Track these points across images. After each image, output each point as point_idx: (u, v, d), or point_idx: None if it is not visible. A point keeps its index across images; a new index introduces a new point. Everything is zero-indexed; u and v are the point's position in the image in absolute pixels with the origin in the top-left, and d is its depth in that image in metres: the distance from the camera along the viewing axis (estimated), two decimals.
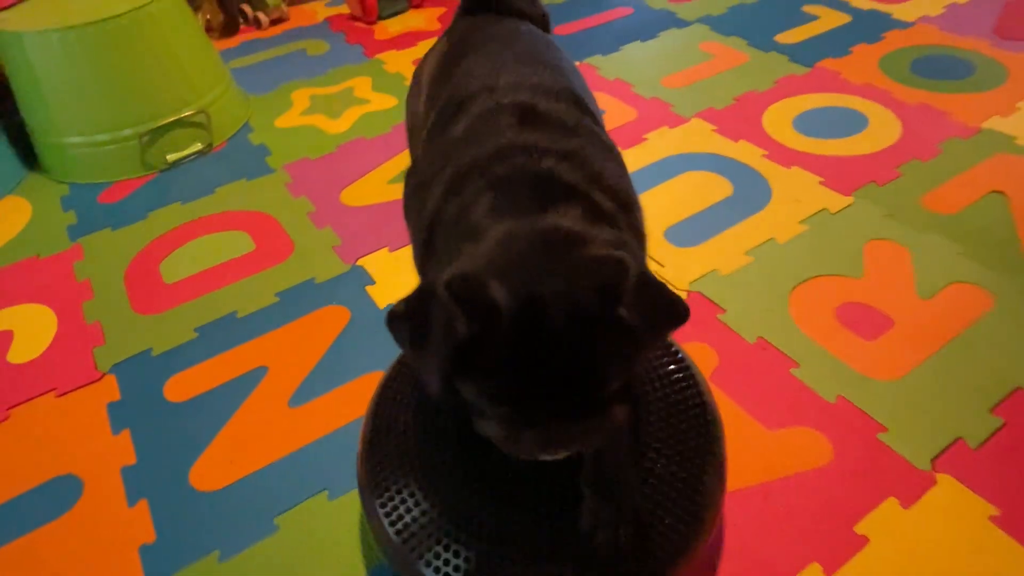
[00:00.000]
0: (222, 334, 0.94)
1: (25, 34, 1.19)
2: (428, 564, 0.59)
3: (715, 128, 1.26)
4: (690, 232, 1.03)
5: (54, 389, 0.89)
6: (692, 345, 0.84)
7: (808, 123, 1.25)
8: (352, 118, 1.41)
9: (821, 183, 1.10)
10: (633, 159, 1.20)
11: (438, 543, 0.60)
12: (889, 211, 1.03)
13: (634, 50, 1.57)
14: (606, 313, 0.44)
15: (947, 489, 0.68)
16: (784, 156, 1.17)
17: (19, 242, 1.17)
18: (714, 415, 0.67)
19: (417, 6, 1.92)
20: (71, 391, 0.89)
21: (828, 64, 1.43)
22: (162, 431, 0.82)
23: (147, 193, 1.26)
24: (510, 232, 0.48)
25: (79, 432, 0.83)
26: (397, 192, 1.18)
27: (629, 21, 1.71)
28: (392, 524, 0.61)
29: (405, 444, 0.67)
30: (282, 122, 1.43)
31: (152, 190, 1.27)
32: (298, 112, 1.46)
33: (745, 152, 1.19)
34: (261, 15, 1.86)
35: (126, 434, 0.83)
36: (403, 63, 1.61)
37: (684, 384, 0.70)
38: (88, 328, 0.98)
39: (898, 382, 0.79)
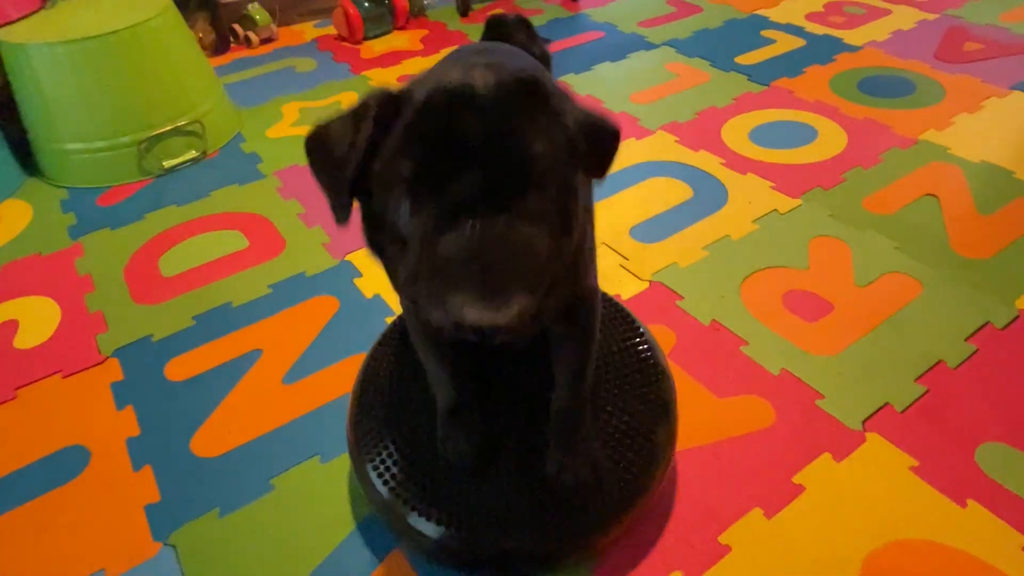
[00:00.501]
0: (219, 321, 1.01)
1: (32, 46, 1.26)
2: (414, 510, 0.66)
3: (678, 139, 1.36)
4: (654, 230, 1.12)
5: (59, 371, 0.95)
6: (654, 327, 0.93)
7: (763, 135, 1.36)
8: None
9: (772, 187, 1.20)
10: None
11: (421, 493, 0.67)
12: (833, 212, 1.13)
13: (605, 69, 1.68)
14: (536, 94, 0.44)
15: (875, 445, 0.77)
16: (740, 164, 1.27)
17: (21, 241, 1.23)
18: (668, 381, 0.76)
19: (401, 28, 2.02)
20: (76, 372, 0.95)
21: (783, 83, 1.55)
22: (164, 406, 0.89)
23: (144, 196, 1.33)
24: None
25: (84, 409, 0.89)
26: None
27: (601, 43, 1.83)
28: (383, 481, 0.68)
29: (388, 412, 0.75)
30: (273, 132, 1.51)
31: (149, 194, 1.33)
32: (288, 123, 1.54)
33: (705, 160, 1.29)
34: (251, 34, 1.95)
35: (129, 410, 0.89)
36: (388, 80, 1.71)
37: (643, 354, 0.78)
38: (90, 317, 1.04)
39: (835, 357, 0.88)
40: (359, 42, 1.94)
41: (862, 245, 1.06)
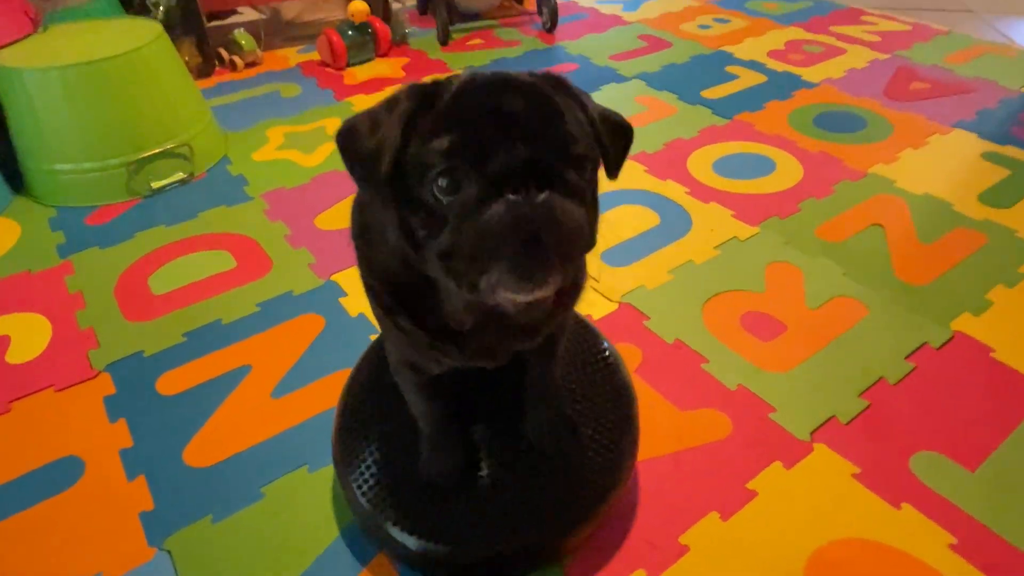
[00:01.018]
0: (208, 338, 1.05)
1: (26, 70, 1.30)
2: (390, 520, 0.71)
3: (646, 168, 1.45)
4: (623, 254, 1.20)
5: (52, 385, 0.98)
6: (621, 345, 1.00)
7: (725, 166, 1.45)
8: (325, 153, 1.56)
9: (733, 216, 1.29)
10: None
11: (398, 506, 0.72)
12: (788, 239, 1.22)
13: None
14: (564, 88, 0.47)
15: (821, 454, 0.84)
16: (704, 193, 1.36)
17: (10, 258, 1.26)
18: (631, 392, 0.82)
19: (383, 55, 2.09)
20: (69, 387, 0.98)
21: (745, 117, 1.65)
22: (156, 419, 0.92)
23: (133, 216, 1.37)
24: None
25: (78, 421, 0.93)
26: None
27: (575, 75, 1.92)
28: (362, 493, 0.74)
29: (371, 426, 0.80)
30: (259, 156, 1.57)
31: (137, 214, 1.37)
32: (274, 147, 1.60)
33: (671, 189, 1.38)
34: (237, 58, 2.00)
35: (122, 422, 0.92)
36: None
37: (609, 369, 0.85)
38: (82, 333, 1.08)
39: (787, 374, 0.95)
40: (342, 68, 2.00)
41: (814, 271, 1.14)
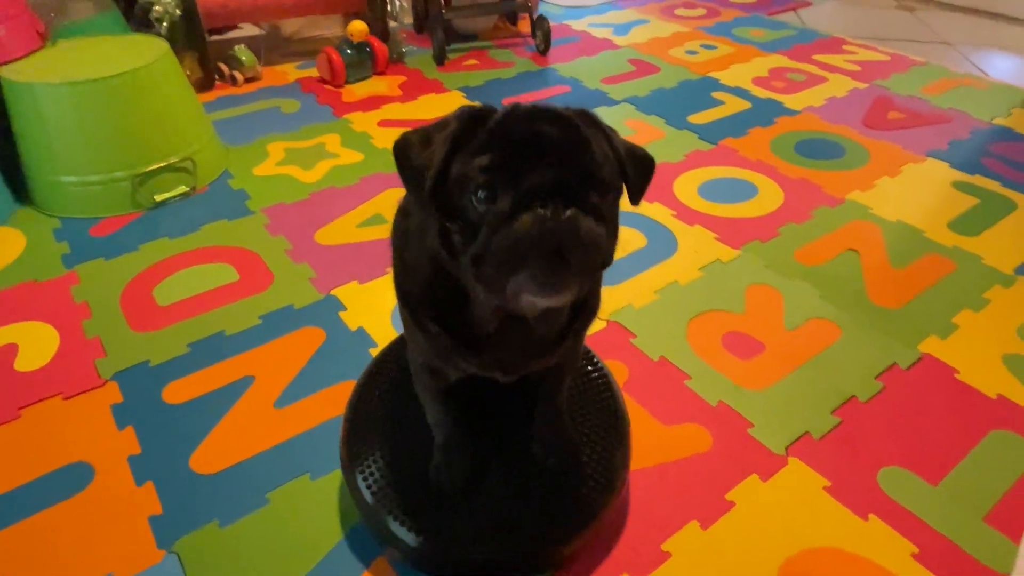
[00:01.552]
0: (212, 349, 1.09)
1: (36, 85, 1.34)
2: (395, 519, 0.76)
3: None
4: (611, 274, 1.25)
5: (60, 393, 1.02)
6: (609, 361, 1.05)
7: (710, 190, 1.52)
8: (324, 170, 1.60)
9: (716, 238, 1.35)
10: None
11: (403, 504, 0.77)
12: (768, 262, 1.28)
13: None
14: (594, 122, 0.53)
15: (795, 468, 0.90)
16: (689, 216, 1.42)
17: (16, 268, 1.29)
18: (623, 412, 0.88)
19: (380, 73, 2.15)
20: (76, 395, 1.02)
21: (729, 142, 1.72)
22: (163, 427, 0.96)
23: (136, 228, 1.40)
24: None
25: (87, 428, 0.96)
26: (366, 235, 1.37)
27: (567, 98, 1.98)
28: (370, 492, 0.78)
29: (376, 431, 0.85)
30: (259, 171, 1.61)
31: (141, 226, 1.41)
32: (274, 163, 1.64)
33: (658, 212, 1.44)
34: (237, 74, 2.04)
35: (130, 430, 0.96)
36: (369, 123, 1.82)
37: (602, 388, 0.90)
38: (89, 342, 1.11)
39: (764, 391, 1.01)
40: (340, 85, 2.05)
41: (792, 293, 1.21)
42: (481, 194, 0.49)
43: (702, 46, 2.37)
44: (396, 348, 0.96)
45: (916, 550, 0.80)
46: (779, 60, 2.25)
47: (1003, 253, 1.31)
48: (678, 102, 1.94)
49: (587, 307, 0.66)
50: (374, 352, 1.07)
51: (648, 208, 1.45)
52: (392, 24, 2.25)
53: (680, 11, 2.76)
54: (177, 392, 1.02)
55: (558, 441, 0.82)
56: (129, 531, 0.83)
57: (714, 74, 2.14)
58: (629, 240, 1.35)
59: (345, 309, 1.17)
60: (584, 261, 0.49)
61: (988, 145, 1.72)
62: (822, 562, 0.79)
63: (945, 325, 1.14)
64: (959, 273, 1.26)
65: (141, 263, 1.30)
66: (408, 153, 0.54)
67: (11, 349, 1.10)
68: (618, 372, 1.04)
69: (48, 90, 1.35)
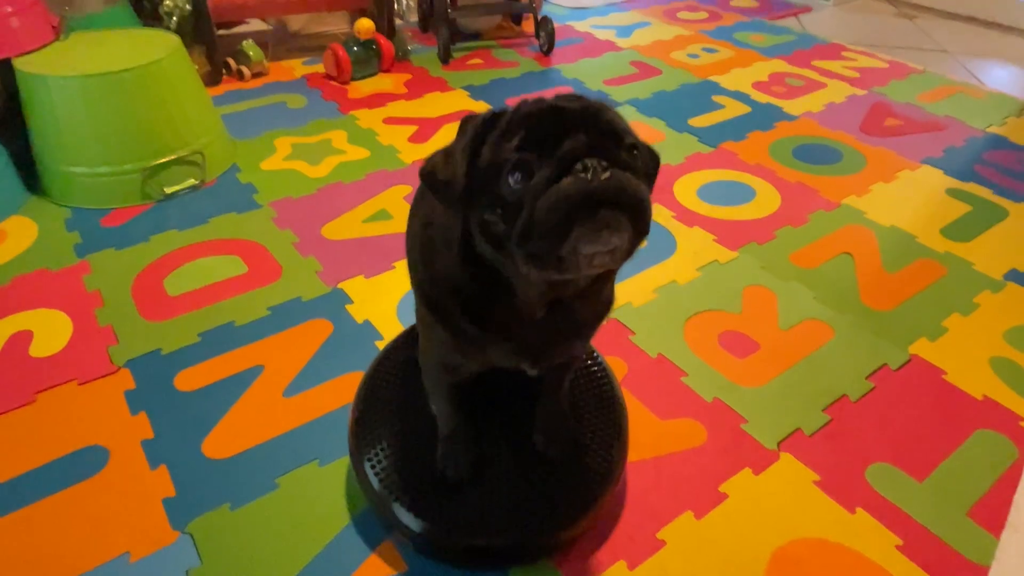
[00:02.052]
0: (222, 339, 1.12)
1: (50, 78, 1.37)
2: (402, 506, 0.79)
3: None
4: None
5: (75, 379, 1.05)
6: (609, 357, 1.08)
7: (709, 193, 1.55)
8: (331, 165, 1.63)
9: (715, 240, 1.38)
10: None
11: (409, 491, 0.80)
12: (764, 264, 1.32)
13: None
14: (608, 105, 0.53)
15: (787, 462, 0.93)
16: (688, 218, 1.45)
17: (29, 256, 1.32)
18: (622, 406, 0.91)
19: (386, 70, 2.17)
20: (91, 381, 1.04)
21: (729, 146, 1.75)
22: (175, 414, 0.99)
23: (147, 220, 1.43)
24: None
25: (101, 413, 0.99)
26: (372, 230, 1.40)
27: None
28: (378, 479, 0.81)
29: (384, 421, 0.88)
30: (267, 165, 1.64)
31: (151, 217, 1.44)
32: (281, 157, 1.67)
33: (658, 213, 1.47)
34: (244, 68, 2.07)
35: (143, 415, 0.99)
36: (374, 120, 1.85)
37: (602, 382, 0.93)
38: (101, 330, 1.14)
39: (758, 389, 1.04)
40: (346, 82, 2.08)
41: (787, 294, 1.24)
42: (517, 174, 0.50)
43: (704, 50, 2.40)
44: (403, 340, 0.99)
45: (900, 542, 0.83)
46: (779, 65, 2.28)
47: (993, 259, 1.35)
48: (679, 105, 1.97)
49: (608, 301, 0.69)
50: (380, 345, 1.10)
51: None
52: (398, 22, 2.28)
53: (682, 14, 2.79)
54: (189, 380, 1.05)
55: (559, 433, 0.85)
56: (144, 512, 0.86)
57: (715, 78, 2.17)
58: None
59: (352, 302, 1.20)
60: (633, 211, 0.49)
61: (982, 153, 1.75)
62: (810, 552, 0.82)
63: (935, 328, 1.17)
64: (950, 278, 1.30)
65: (151, 254, 1.32)
66: (435, 172, 0.56)
67: (26, 335, 1.13)
68: (617, 368, 1.07)
69: (61, 83, 1.37)
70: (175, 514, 0.85)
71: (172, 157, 1.49)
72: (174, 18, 1.90)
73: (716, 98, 2.03)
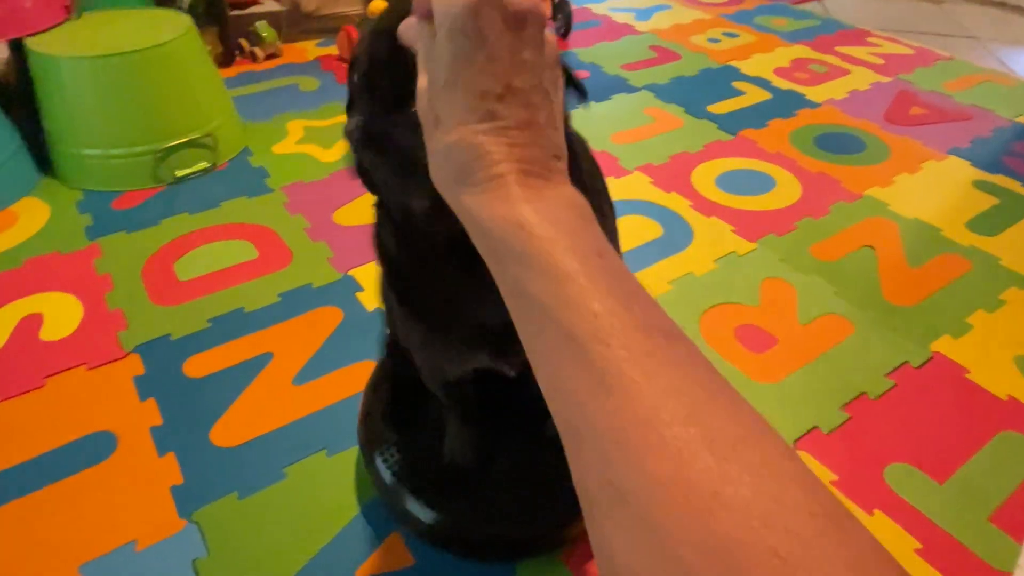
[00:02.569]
0: (232, 325, 1.11)
1: (62, 58, 1.35)
2: (413, 498, 0.78)
3: (652, 180, 1.51)
4: (627, 263, 1.26)
5: (85, 363, 1.04)
6: None
7: (728, 181, 1.51)
8: (343, 149, 1.61)
9: (733, 231, 1.35)
10: None
11: (420, 483, 0.79)
12: (783, 256, 1.29)
13: (591, 108, 1.82)
14: None
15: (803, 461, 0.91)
16: (706, 207, 1.42)
17: (40, 238, 1.31)
18: None
19: None
20: (100, 365, 1.04)
21: (748, 133, 1.71)
22: (183, 400, 0.99)
23: (158, 203, 1.42)
24: None
25: (110, 398, 0.99)
26: None
27: (586, 83, 1.96)
28: (390, 472, 0.80)
29: (396, 410, 0.87)
30: (279, 148, 1.62)
31: (162, 200, 1.43)
32: (293, 140, 1.65)
33: (675, 202, 1.44)
34: (257, 50, 2.05)
35: (152, 402, 0.98)
36: None
37: None
38: (111, 314, 1.13)
39: (776, 384, 1.02)
40: None
41: (806, 288, 1.21)
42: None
43: (724, 34, 2.35)
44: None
45: (920, 546, 0.81)
46: (802, 51, 2.23)
47: (1021, 254, 1.31)
48: (698, 91, 1.93)
49: None
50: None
51: (665, 198, 1.45)
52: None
53: None
54: (198, 366, 1.04)
55: None
56: (151, 500, 0.85)
57: (735, 63, 2.12)
58: (645, 229, 1.35)
59: (363, 290, 1.19)
60: None
61: (1011, 144, 1.70)
62: None
63: (959, 325, 1.14)
64: (975, 273, 1.26)
65: (162, 237, 1.31)
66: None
67: (36, 319, 1.12)
68: None
69: (72, 63, 1.36)
70: (182, 502, 0.85)
71: (184, 140, 1.47)
72: None
73: (736, 84, 1.98)
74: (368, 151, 0.48)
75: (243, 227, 1.35)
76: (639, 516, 0.25)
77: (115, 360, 1.05)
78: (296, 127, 1.71)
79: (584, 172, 0.55)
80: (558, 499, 0.78)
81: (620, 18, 2.49)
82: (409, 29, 0.40)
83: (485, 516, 0.77)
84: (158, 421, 0.95)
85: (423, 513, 0.77)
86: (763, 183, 1.51)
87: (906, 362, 1.07)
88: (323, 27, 2.36)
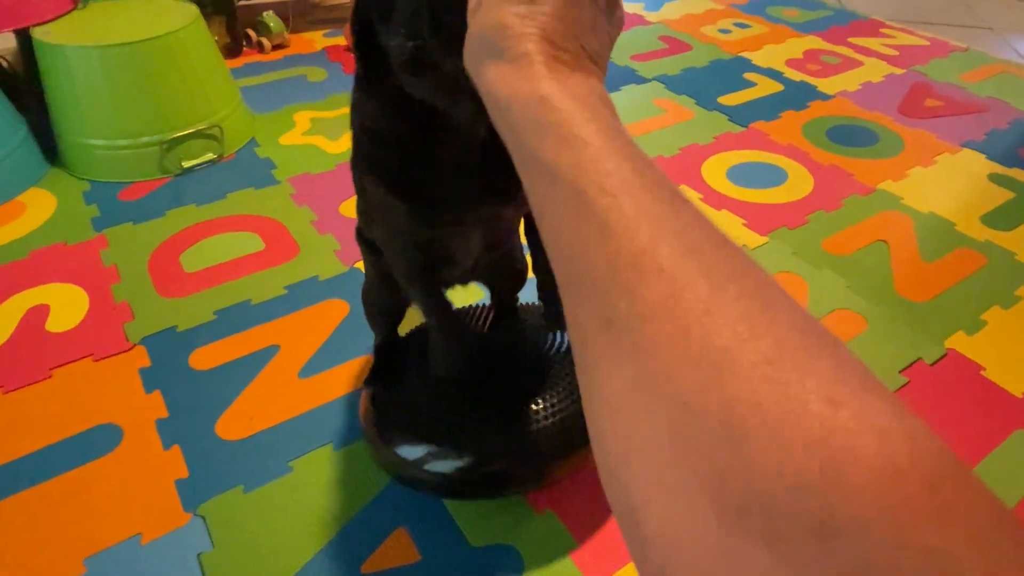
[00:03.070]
0: (238, 317, 1.11)
1: (68, 48, 1.35)
2: (418, 465, 0.81)
3: None
4: None
5: (91, 355, 1.04)
6: None
7: (739, 174, 1.50)
8: (350, 141, 1.60)
9: (744, 224, 1.34)
10: None
11: (409, 427, 0.83)
12: (795, 250, 1.27)
13: None
14: None
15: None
16: (716, 200, 1.41)
17: (47, 229, 1.31)
18: None
19: None
20: (106, 357, 1.04)
21: (760, 125, 1.69)
22: (189, 393, 0.98)
23: (164, 194, 1.42)
24: None
25: (116, 391, 0.98)
26: None
27: None
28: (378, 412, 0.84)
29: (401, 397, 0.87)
30: (286, 140, 1.61)
31: (169, 191, 1.42)
32: (300, 132, 1.64)
33: (686, 194, 1.42)
34: (264, 40, 2.04)
35: (157, 394, 0.98)
36: None
37: None
38: (117, 306, 1.13)
39: None
40: None
41: (818, 282, 1.19)
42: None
43: (735, 24, 2.32)
44: (421, 327, 0.97)
45: None
46: (814, 42, 2.20)
47: None
48: (709, 82, 1.91)
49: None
50: None
51: None
52: None
53: None
54: (203, 358, 1.03)
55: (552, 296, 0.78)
56: (156, 493, 0.85)
57: (747, 54, 2.09)
58: None
59: None
60: None
61: None
62: None
63: (973, 321, 1.12)
64: (990, 268, 1.24)
65: (168, 229, 1.31)
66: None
67: (43, 310, 1.12)
68: None
69: (78, 53, 1.35)
70: (187, 495, 0.85)
71: (190, 130, 1.47)
72: None
73: (748, 75, 1.95)
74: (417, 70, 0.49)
75: (250, 219, 1.34)
76: (632, 342, 0.26)
77: (121, 352, 1.05)
78: (303, 118, 1.70)
79: None
80: (548, 439, 0.80)
81: (630, 8, 2.46)
82: None
83: (478, 453, 0.80)
84: (164, 413, 0.95)
85: (409, 452, 0.81)
86: (775, 176, 1.49)
87: (920, 359, 1.05)
88: (331, 17, 2.35)
